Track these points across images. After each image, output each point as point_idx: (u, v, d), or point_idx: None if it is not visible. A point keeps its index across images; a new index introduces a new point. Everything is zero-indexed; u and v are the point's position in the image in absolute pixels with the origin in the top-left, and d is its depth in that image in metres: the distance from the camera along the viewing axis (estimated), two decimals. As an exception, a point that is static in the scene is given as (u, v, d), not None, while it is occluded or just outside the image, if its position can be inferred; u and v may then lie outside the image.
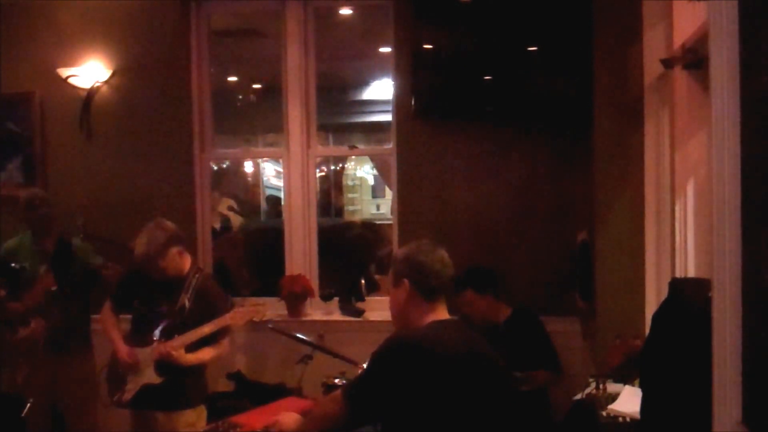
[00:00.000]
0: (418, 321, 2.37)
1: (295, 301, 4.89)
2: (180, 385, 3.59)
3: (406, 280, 2.38)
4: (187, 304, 3.57)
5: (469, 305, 4.13)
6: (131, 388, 3.61)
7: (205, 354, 3.60)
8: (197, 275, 3.67)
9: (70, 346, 4.18)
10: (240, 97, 7.78)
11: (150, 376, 3.56)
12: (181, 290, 3.60)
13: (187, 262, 3.67)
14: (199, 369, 3.69)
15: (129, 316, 3.75)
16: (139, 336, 3.64)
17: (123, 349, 3.62)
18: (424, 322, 2.36)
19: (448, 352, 2.26)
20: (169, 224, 3.62)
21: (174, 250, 3.57)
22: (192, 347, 3.55)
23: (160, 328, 3.56)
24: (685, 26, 3.13)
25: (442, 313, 2.40)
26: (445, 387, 2.22)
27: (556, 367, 4.13)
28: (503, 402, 2.38)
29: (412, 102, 4.60)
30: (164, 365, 3.53)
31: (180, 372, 3.55)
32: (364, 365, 2.76)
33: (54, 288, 4.07)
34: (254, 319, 3.74)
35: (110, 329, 3.75)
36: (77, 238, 4.38)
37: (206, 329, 3.52)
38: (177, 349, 3.50)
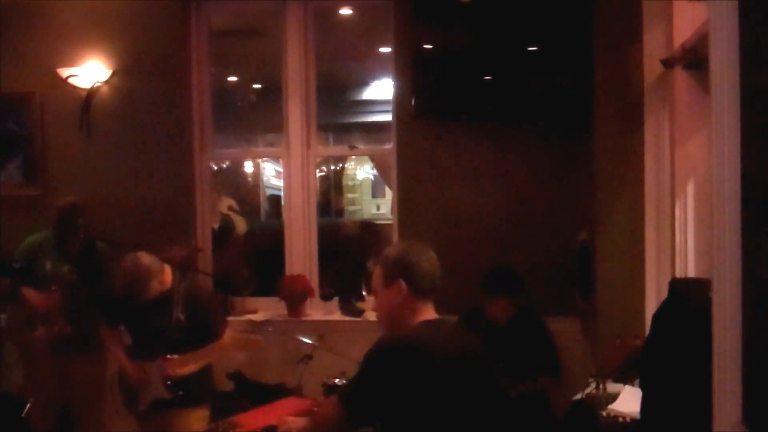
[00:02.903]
0: (409, 322, 2.36)
1: (295, 301, 4.89)
2: (187, 384, 3.58)
3: (401, 280, 2.37)
4: (181, 317, 3.57)
5: (500, 311, 4.09)
6: (143, 402, 3.61)
7: (209, 353, 3.60)
8: (182, 284, 3.63)
9: (82, 347, 4.14)
10: (240, 97, 7.77)
11: (160, 392, 3.55)
12: (170, 304, 3.58)
13: (168, 279, 3.61)
14: (206, 368, 3.70)
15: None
16: (141, 350, 3.64)
17: (130, 367, 3.62)
18: (415, 322, 2.36)
19: (441, 352, 2.26)
20: (145, 258, 3.51)
21: (154, 282, 3.52)
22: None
23: (161, 345, 3.55)
24: (685, 26, 3.12)
25: (431, 313, 2.41)
26: (440, 387, 2.22)
27: (555, 371, 4.11)
28: (498, 401, 2.39)
29: (412, 102, 4.60)
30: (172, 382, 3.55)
31: (189, 380, 3.56)
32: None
33: (75, 287, 4.05)
34: (250, 350, 3.84)
35: (112, 345, 3.76)
36: (101, 241, 4.36)
37: (206, 359, 3.57)
38: (181, 367, 3.50)
